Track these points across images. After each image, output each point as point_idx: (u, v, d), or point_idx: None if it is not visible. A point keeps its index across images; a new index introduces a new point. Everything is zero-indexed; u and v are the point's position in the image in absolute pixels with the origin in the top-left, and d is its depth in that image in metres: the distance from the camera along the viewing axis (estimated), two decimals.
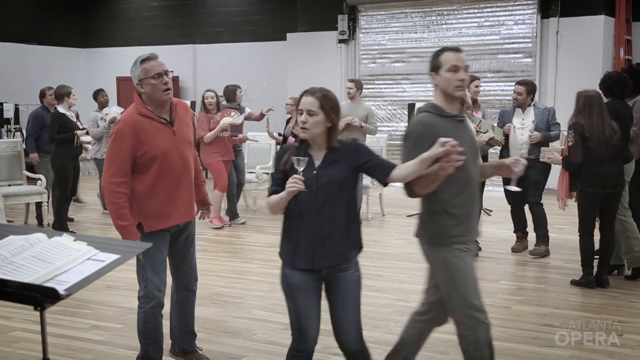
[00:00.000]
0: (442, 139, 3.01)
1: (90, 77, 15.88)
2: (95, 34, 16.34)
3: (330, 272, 3.31)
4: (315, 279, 3.32)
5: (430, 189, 3.25)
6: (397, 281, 6.46)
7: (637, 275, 6.21)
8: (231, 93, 9.24)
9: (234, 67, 14.37)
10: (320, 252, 3.26)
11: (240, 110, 9.16)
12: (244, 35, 14.69)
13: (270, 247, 7.89)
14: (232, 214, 9.20)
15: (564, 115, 6.87)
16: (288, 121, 9.23)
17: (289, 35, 13.50)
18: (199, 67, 15.17)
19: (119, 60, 15.19)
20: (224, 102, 9.27)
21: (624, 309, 5.37)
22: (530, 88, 7.13)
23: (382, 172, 3.27)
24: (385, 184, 3.32)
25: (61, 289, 2.32)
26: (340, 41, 13.03)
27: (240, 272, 6.79)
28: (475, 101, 7.48)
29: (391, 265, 7.09)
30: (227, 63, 14.57)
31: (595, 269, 6.04)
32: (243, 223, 9.16)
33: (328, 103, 3.26)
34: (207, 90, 8.93)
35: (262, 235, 8.48)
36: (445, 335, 4.04)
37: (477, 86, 7.46)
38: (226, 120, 8.63)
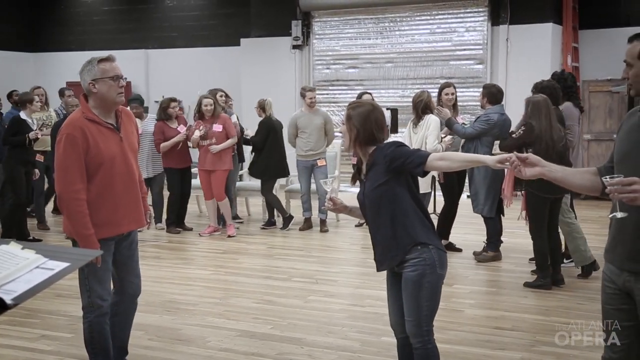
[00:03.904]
0: (505, 156, 2.90)
1: (40, 82, 15.54)
2: (45, 37, 16.01)
3: (397, 271, 3.48)
4: (392, 275, 3.55)
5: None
6: (351, 286, 6.49)
7: (587, 272, 6.42)
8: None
9: (187, 72, 14.25)
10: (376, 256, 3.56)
11: (229, 113, 9.01)
12: (198, 41, 14.59)
13: (224, 253, 7.84)
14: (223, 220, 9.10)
15: (515, 120, 7.02)
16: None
17: (242, 40, 13.46)
18: (152, 72, 15.00)
19: (70, 65, 14.86)
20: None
21: (572, 311, 5.48)
22: (485, 92, 7.18)
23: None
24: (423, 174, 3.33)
25: (8, 299, 2.26)
26: (294, 47, 13.05)
27: (194, 278, 6.72)
28: (454, 106, 7.57)
29: (345, 270, 7.12)
30: (181, 68, 14.45)
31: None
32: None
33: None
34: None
35: (215, 241, 8.41)
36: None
37: (447, 94, 7.51)
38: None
